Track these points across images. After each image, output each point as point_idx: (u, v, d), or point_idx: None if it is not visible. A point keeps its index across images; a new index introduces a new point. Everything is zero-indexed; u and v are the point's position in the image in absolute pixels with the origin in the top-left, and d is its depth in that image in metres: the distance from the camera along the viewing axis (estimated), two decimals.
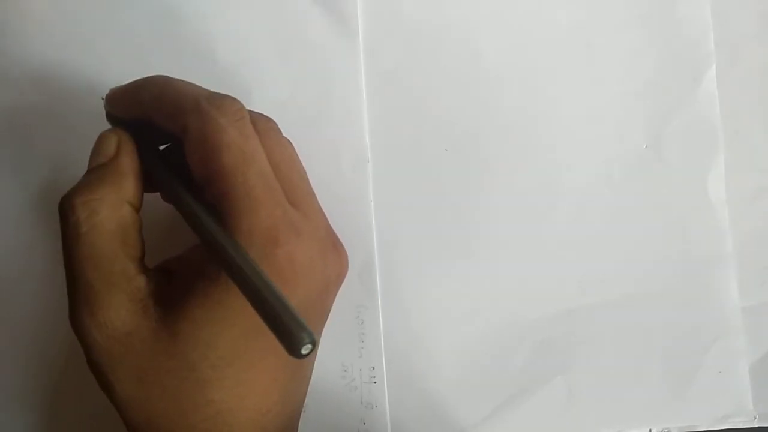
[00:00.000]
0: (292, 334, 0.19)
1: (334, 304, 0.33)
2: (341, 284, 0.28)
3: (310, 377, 0.29)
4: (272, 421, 0.25)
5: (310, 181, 0.29)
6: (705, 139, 0.35)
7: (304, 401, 0.29)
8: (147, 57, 0.33)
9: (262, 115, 0.26)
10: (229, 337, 0.24)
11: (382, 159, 0.34)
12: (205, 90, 0.25)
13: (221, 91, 0.25)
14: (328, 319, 0.33)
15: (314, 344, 0.19)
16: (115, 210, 0.24)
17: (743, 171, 0.35)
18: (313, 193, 0.28)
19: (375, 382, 0.33)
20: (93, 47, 0.33)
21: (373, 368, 0.33)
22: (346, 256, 0.28)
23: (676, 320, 0.35)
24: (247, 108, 0.26)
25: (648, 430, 0.35)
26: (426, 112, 0.34)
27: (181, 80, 0.26)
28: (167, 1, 0.33)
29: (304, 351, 0.19)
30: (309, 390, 0.33)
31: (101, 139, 0.26)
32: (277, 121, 0.28)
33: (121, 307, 0.24)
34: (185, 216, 0.24)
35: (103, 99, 0.27)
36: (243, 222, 0.23)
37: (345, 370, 0.33)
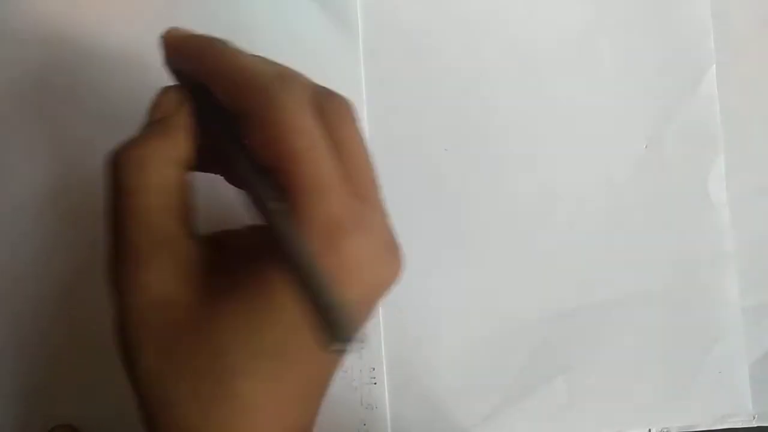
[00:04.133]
0: (334, 326, 0.19)
1: None
2: (389, 290, 0.25)
3: (328, 386, 0.28)
4: (290, 424, 0.24)
5: None
6: (705, 139, 0.35)
7: (316, 419, 0.28)
8: (147, 57, 0.33)
9: (343, 97, 0.25)
10: (270, 330, 0.22)
11: (382, 159, 0.34)
12: (271, 64, 0.24)
13: None
14: None
15: (349, 343, 0.19)
16: (165, 167, 0.23)
17: (743, 171, 0.35)
18: (380, 185, 0.25)
19: (375, 383, 0.33)
20: (93, 46, 0.33)
21: (373, 369, 0.33)
22: (402, 259, 0.25)
23: (676, 320, 0.35)
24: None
25: (648, 429, 0.35)
26: (426, 112, 0.34)
27: (245, 53, 0.24)
28: (168, 1, 0.33)
29: (337, 347, 0.19)
30: None
31: (161, 95, 0.24)
32: (361, 132, 0.26)
33: (165, 270, 0.22)
34: (248, 193, 0.23)
35: (162, 37, 0.25)
36: (309, 209, 0.22)
37: (345, 371, 0.33)
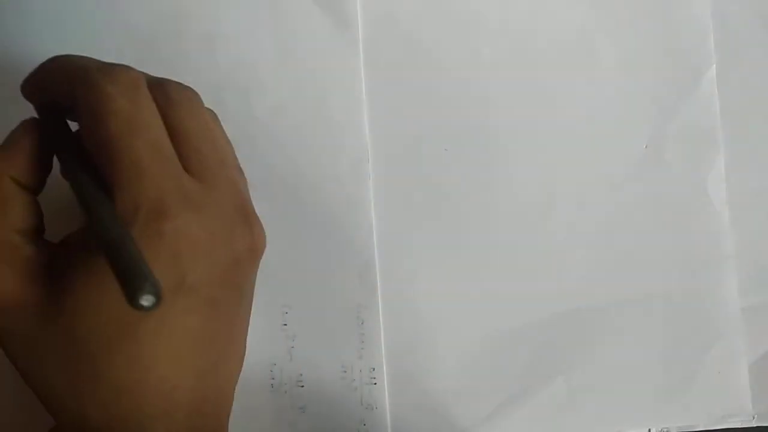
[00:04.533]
0: (132, 281, 0.19)
1: (334, 304, 0.33)
2: (258, 259, 0.26)
3: (239, 353, 0.28)
4: (185, 396, 0.25)
5: (311, 181, 0.29)
6: (705, 139, 0.35)
7: (234, 378, 0.28)
8: (147, 57, 0.33)
9: (179, 84, 0.26)
10: (113, 312, 0.23)
11: (382, 159, 0.34)
12: (99, 61, 0.25)
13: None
14: (328, 320, 0.33)
15: (157, 296, 0.19)
16: None
17: (743, 171, 0.35)
18: (231, 165, 0.26)
19: (375, 383, 0.33)
20: (93, 47, 0.32)
21: (373, 369, 0.33)
22: (262, 230, 0.26)
23: (676, 320, 0.35)
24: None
25: (647, 429, 0.35)
26: (426, 112, 0.34)
27: (76, 55, 0.25)
28: (167, 1, 0.33)
29: (144, 302, 0.19)
30: (308, 391, 0.33)
31: (19, 125, 0.26)
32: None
33: (5, 274, 0.24)
34: (71, 185, 0.24)
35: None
36: (126, 192, 0.23)
37: (345, 371, 0.33)
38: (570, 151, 0.35)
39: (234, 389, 0.28)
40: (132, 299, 0.19)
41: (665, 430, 0.35)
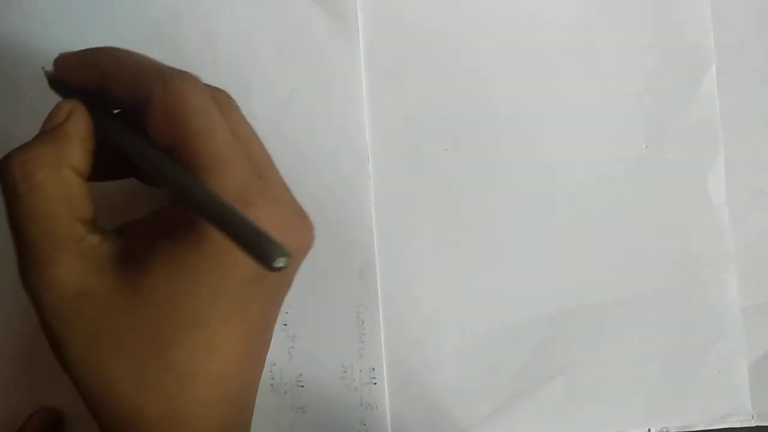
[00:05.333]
0: (264, 246, 0.20)
1: (334, 304, 0.33)
2: (305, 255, 0.27)
3: (269, 345, 0.28)
4: (233, 387, 0.25)
5: (311, 180, 0.29)
6: (705, 139, 0.35)
7: (262, 371, 0.28)
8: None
9: (222, 90, 0.27)
10: (193, 298, 0.23)
11: (382, 159, 0.34)
12: (165, 64, 0.26)
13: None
14: (328, 320, 0.33)
15: (287, 256, 0.20)
16: (53, 171, 0.24)
17: (743, 171, 0.35)
18: (275, 165, 0.27)
19: (375, 383, 0.33)
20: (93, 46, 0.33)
21: (373, 369, 0.33)
22: (312, 227, 0.27)
23: (676, 320, 0.35)
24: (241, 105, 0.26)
25: (647, 429, 0.35)
26: (426, 112, 0.34)
27: (138, 53, 0.26)
28: (168, 1, 0.33)
29: (280, 264, 0.20)
30: (308, 391, 0.33)
31: (54, 108, 0.25)
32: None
33: (71, 266, 0.23)
34: (150, 168, 0.24)
35: (43, 68, 0.27)
36: (212, 183, 0.23)
37: (345, 371, 0.33)
38: (570, 151, 0.35)
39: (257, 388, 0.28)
40: (268, 263, 0.20)
41: (665, 429, 0.35)
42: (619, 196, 0.35)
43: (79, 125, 0.25)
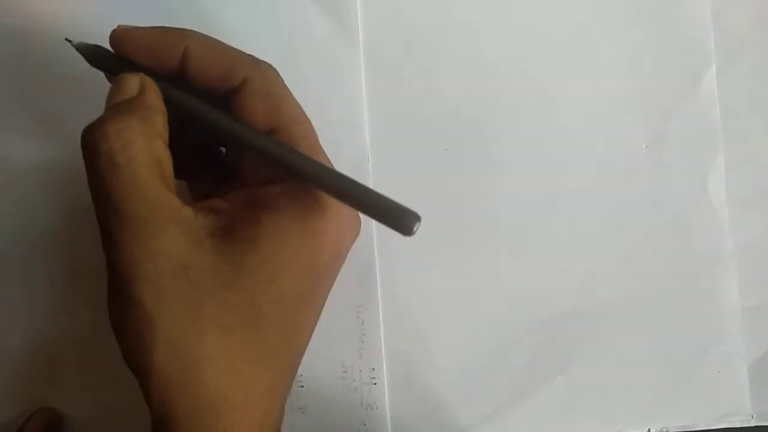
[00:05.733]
0: (403, 215, 0.22)
1: (334, 304, 0.33)
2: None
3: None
4: (295, 372, 0.26)
5: None
6: (705, 139, 0.35)
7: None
8: None
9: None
10: (291, 277, 0.23)
11: (382, 159, 0.34)
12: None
13: None
14: (329, 320, 0.33)
15: (420, 222, 0.22)
16: (149, 141, 0.23)
17: (743, 171, 0.35)
18: None
19: (375, 383, 0.33)
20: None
21: (373, 369, 0.33)
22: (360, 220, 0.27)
23: (676, 320, 0.35)
24: None
25: (647, 429, 0.35)
26: (426, 112, 0.34)
27: (209, 37, 0.26)
28: (167, 0, 0.33)
29: (416, 228, 0.21)
30: (308, 391, 0.33)
31: (123, 79, 0.24)
32: None
33: (175, 236, 0.22)
34: (256, 149, 0.24)
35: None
36: (303, 138, 0.24)
37: (345, 371, 0.33)
38: (570, 151, 0.35)
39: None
40: (407, 230, 0.21)
41: (665, 429, 0.35)
42: (619, 196, 0.35)
43: (157, 98, 0.24)
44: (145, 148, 0.22)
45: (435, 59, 0.34)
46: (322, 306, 0.26)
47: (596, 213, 0.35)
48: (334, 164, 0.34)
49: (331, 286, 0.26)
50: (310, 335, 0.25)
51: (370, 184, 0.34)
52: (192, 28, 0.25)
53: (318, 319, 0.26)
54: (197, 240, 0.23)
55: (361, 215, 0.24)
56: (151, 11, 0.33)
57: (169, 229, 0.22)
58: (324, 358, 0.33)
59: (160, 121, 0.24)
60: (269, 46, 0.34)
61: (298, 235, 0.23)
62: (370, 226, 0.34)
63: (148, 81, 0.24)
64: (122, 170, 0.22)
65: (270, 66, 0.25)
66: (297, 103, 0.25)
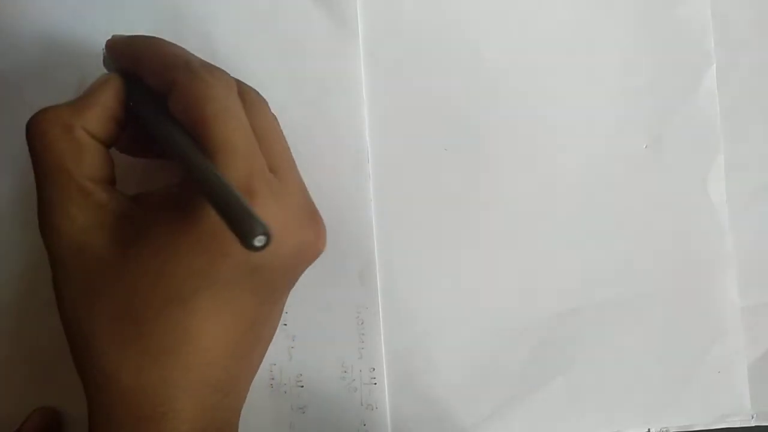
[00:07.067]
0: (245, 221, 0.20)
1: (334, 304, 0.33)
2: (314, 259, 0.28)
3: (267, 343, 0.29)
4: (216, 375, 0.26)
5: (311, 180, 0.29)
6: (705, 139, 0.35)
7: (257, 368, 0.29)
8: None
9: (253, 88, 0.28)
10: (178, 278, 0.24)
11: (382, 159, 0.34)
12: (199, 58, 0.27)
13: None
14: (329, 320, 0.33)
15: (268, 237, 0.20)
16: (65, 131, 0.25)
17: (743, 171, 0.35)
18: (296, 167, 0.28)
19: (375, 383, 0.33)
20: (93, 47, 0.33)
21: (373, 369, 0.33)
22: (324, 229, 0.28)
23: (676, 320, 0.35)
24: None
25: (647, 429, 0.35)
26: (426, 111, 0.34)
27: (176, 45, 0.27)
28: (168, 1, 0.33)
29: (257, 243, 0.20)
30: (308, 391, 0.33)
31: (95, 80, 0.27)
32: (277, 121, 0.28)
33: (74, 216, 0.25)
34: (160, 138, 0.25)
35: (103, 49, 0.29)
36: (219, 167, 0.24)
37: (345, 371, 0.33)
38: (570, 151, 0.35)
39: (252, 381, 0.28)
40: (246, 240, 0.20)
41: (664, 429, 0.35)
42: (619, 196, 0.35)
43: (107, 95, 0.26)
44: (59, 137, 0.25)
45: (435, 59, 0.34)
46: (254, 323, 0.26)
47: (596, 213, 0.35)
48: (334, 165, 0.35)
49: (267, 302, 0.27)
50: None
51: (370, 184, 0.34)
52: (192, 30, 0.26)
53: (252, 335, 0.27)
54: (100, 224, 0.25)
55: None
56: (151, 13, 0.33)
57: (72, 209, 0.25)
58: (324, 358, 0.33)
59: (93, 114, 0.26)
60: (269, 47, 0.34)
61: (185, 238, 0.24)
62: (370, 226, 0.34)
63: (111, 80, 0.27)
64: (38, 155, 0.25)
65: (207, 69, 0.26)
66: (227, 106, 0.25)
